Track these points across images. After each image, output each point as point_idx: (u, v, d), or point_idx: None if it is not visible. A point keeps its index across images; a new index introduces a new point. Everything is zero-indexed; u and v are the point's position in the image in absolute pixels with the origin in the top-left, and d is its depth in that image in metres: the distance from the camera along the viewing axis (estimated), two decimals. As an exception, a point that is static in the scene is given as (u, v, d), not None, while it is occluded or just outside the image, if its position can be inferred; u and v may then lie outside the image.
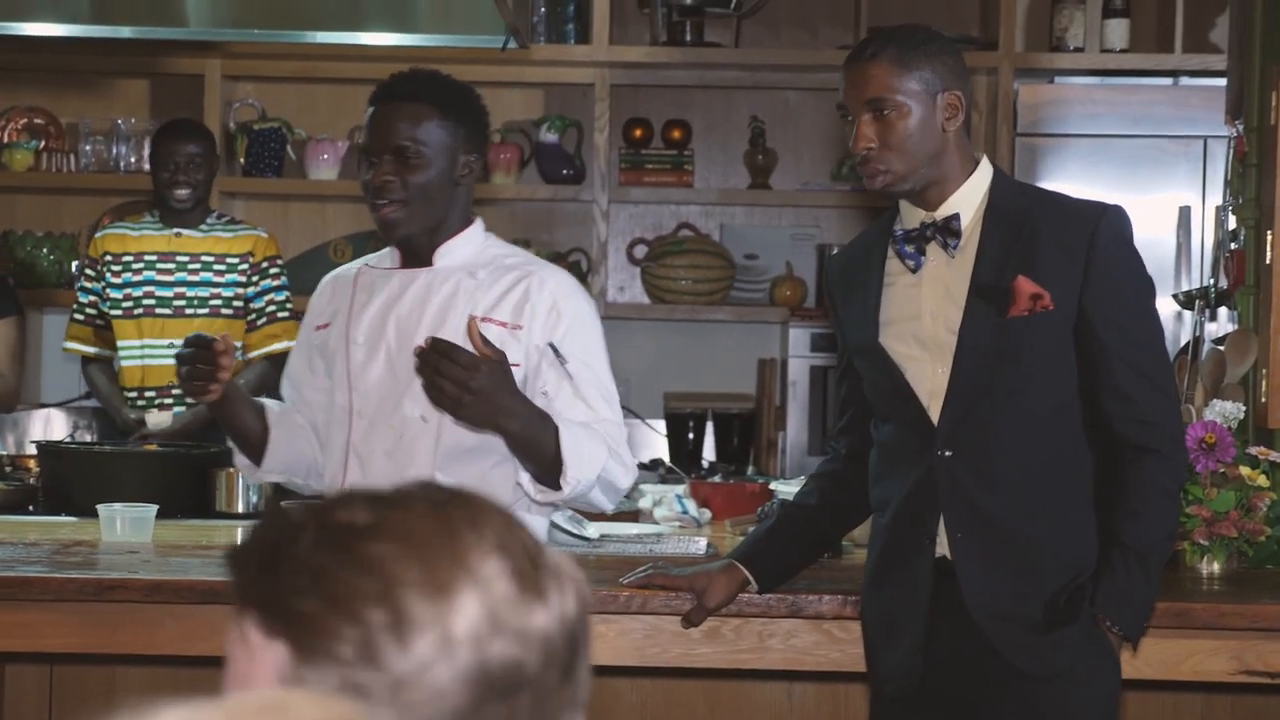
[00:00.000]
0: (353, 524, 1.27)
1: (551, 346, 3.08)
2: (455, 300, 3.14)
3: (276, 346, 5.06)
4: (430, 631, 1.22)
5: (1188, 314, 4.92)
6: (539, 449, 2.97)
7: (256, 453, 3.25)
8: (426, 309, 3.15)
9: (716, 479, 5.17)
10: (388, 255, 3.25)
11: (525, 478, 3.02)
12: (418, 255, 3.19)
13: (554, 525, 3.97)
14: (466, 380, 2.87)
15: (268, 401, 3.31)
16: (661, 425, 6.50)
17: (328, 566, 1.24)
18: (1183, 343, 4.43)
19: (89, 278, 5.23)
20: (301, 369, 3.32)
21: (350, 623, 1.22)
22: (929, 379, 2.97)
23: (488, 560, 1.25)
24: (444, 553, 1.24)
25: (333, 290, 3.30)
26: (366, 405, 3.15)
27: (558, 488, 3.00)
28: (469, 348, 2.95)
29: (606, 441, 3.05)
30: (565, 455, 2.96)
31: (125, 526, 3.87)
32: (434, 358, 2.88)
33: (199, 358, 3.09)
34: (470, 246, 3.19)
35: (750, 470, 6.08)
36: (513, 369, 3.03)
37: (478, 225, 3.21)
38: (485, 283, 3.13)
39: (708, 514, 4.50)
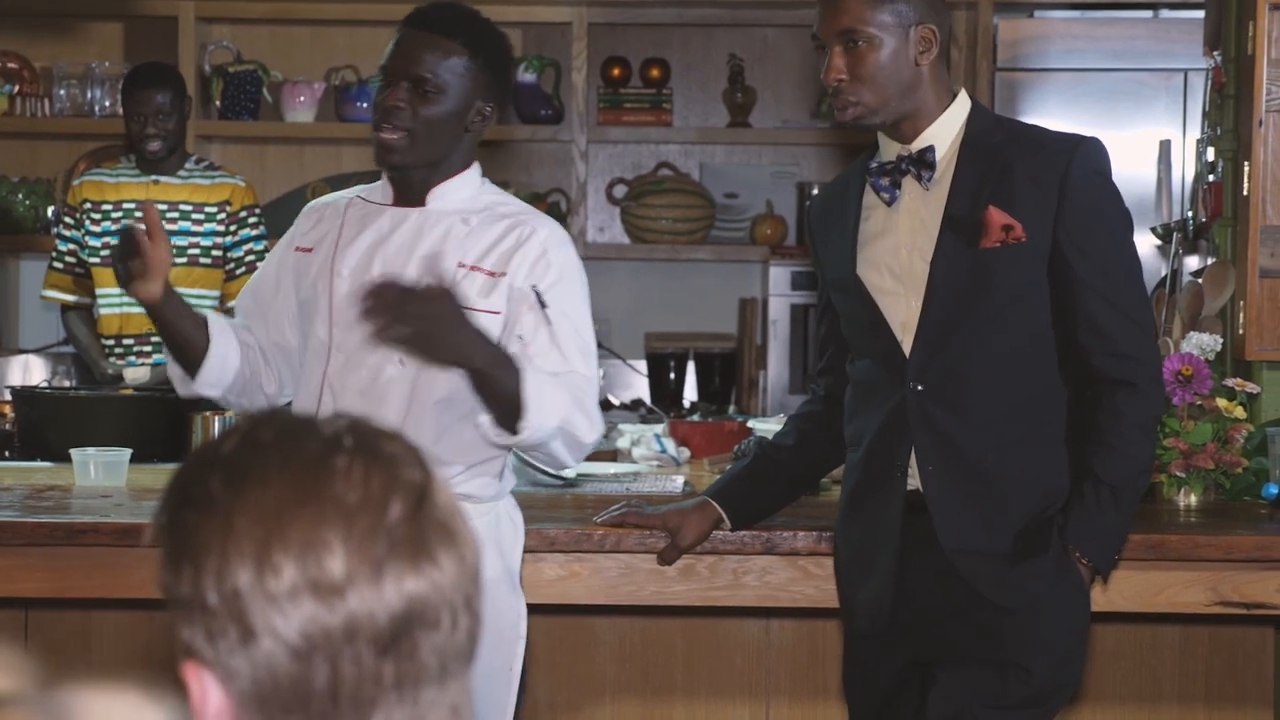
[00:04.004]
0: (229, 463, 1.29)
1: (534, 289, 3.01)
2: (445, 245, 3.06)
3: (254, 295, 5.02)
4: (246, 584, 1.25)
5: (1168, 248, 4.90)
6: (501, 389, 2.89)
7: (193, 364, 3.16)
8: (415, 251, 3.06)
9: (696, 418, 5.16)
10: (380, 189, 3.17)
11: (484, 419, 2.93)
12: (411, 193, 3.11)
13: (530, 465, 3.96)
14: (427, 310, 2.80)
15: (212, 314, 3.22)
16: (642, 365, 6.50)
17: (189, 500, 1.29)
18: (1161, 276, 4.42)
19: (68, 225, 5.20)
20: (269, 285, 3.23)
21: (189, 561, 1.27)
22: (902, 311, 2.96)
23: (328, 528, 1.26)
24: (290, 511, 1.26)
25: (320, 216, 3.21)
26: (346, 341, 3.07)
27: (515, 432, 2.92)
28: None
29: (573, 392, 2.96)
30: (527, 398, 2.88)
31: (99, 471, 3.86)
32: (388, 295, 2.80)
33: (129, 252, 3.03)
34: (466, 190, 3.10)
35: (731, 409, 6.08)
36: (493, 315, 2.99)
37: (475, 170, 3.14)
38: (477, 230, 3.05)
39: (686, 453, 4.49)
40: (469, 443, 3.01)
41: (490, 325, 2.99)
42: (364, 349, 3.05)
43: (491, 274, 3.02)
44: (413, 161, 3.05)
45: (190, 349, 3.15)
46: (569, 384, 2.97)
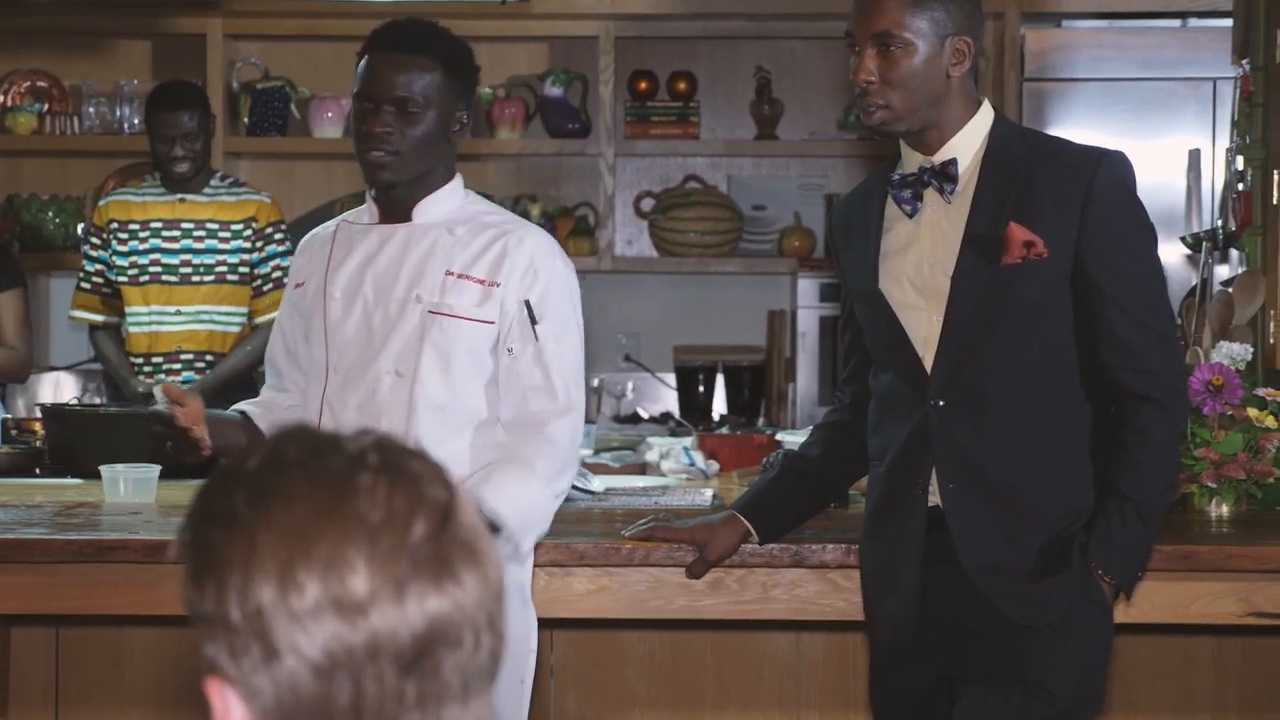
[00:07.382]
0: (254, 481, 1.29)
1: (526, 303, 3.09)
2: (433, 255, 3.12)
3: (282, 312, 5.04)
4: (269, 601, 1.25)
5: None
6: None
7: None
8: (404, 264, 3.13)
9: (724, 431, 5.15)
10: (365, 211, 3.22)
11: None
12: (397, 209, 3.16)
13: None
14: None
15: (243, 406, 3.29)
16: (671, 378, 6.49)
17: (214, 517, 1.30)
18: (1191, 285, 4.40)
19: (94, 246, 5.21)
20: (289, 331, 3.29)
21: (212, 578, 1.28)
22: (924, 326, 2.93)
23: (351, 546, 1.26)
24: (314, 529, 1.26)
25: (311, 249, 3.28)
26: (342, 360, 3.13)
27: (515, 550, 3.04)
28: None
29: (544, 463, 3.06)
30: (516, 535, 3.02)
31: (128, 487, 3.86)
32: None
33: (174, 435, 3.12)
34: (450, 203, 3.16)
35: (761, 422, 6.07)
36: (487, 325, 3.08)
37: (458, 181, 3.19)
38: (463, 239, 3.12)
39: (715, 466, 4.49)
40: (471, 448, 3.05)
41: (484, 335, 3.09)
42: (359, 365, 3.12)
43: (483, 283, 3.10)
44: (404, 178, 3.11)
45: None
46: (533, 453, 3.05)
